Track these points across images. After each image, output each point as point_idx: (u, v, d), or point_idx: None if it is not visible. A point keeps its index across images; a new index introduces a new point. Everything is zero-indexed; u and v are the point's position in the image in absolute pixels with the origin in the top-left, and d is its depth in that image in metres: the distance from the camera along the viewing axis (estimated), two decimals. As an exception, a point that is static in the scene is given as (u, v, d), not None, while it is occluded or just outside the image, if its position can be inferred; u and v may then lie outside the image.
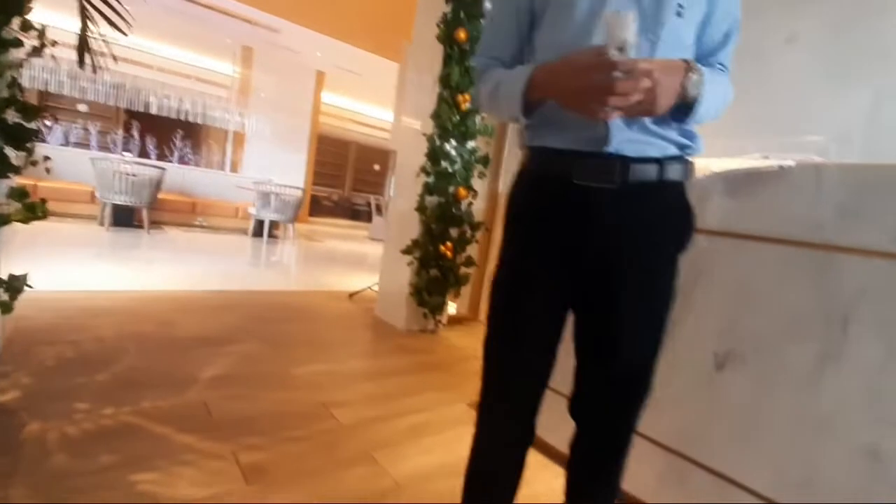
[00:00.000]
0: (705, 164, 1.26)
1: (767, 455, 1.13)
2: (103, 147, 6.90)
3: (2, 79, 1.26)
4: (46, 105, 6.90)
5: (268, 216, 6.07)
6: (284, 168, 7.80)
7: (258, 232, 6.23)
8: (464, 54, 2.68)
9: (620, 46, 0.56)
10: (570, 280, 0.78)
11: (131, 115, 7.25)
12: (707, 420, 1.25)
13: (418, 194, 2.83)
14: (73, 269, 3.22)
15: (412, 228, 2.89)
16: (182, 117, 6.96)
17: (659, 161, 0.73)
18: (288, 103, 7.95)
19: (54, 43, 1.38)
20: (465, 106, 2.73)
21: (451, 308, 3.38)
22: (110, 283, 3.05)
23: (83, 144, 6.77)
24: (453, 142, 2.77)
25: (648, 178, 0.72)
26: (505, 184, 3.48)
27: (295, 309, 3.15)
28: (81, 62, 1.36)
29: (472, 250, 3.04)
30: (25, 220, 1.35)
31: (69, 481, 1.16)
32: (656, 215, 0.75)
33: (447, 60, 2.70)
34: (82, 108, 7.13)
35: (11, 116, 1.29)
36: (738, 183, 1.21)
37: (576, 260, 0.76)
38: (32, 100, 6.37)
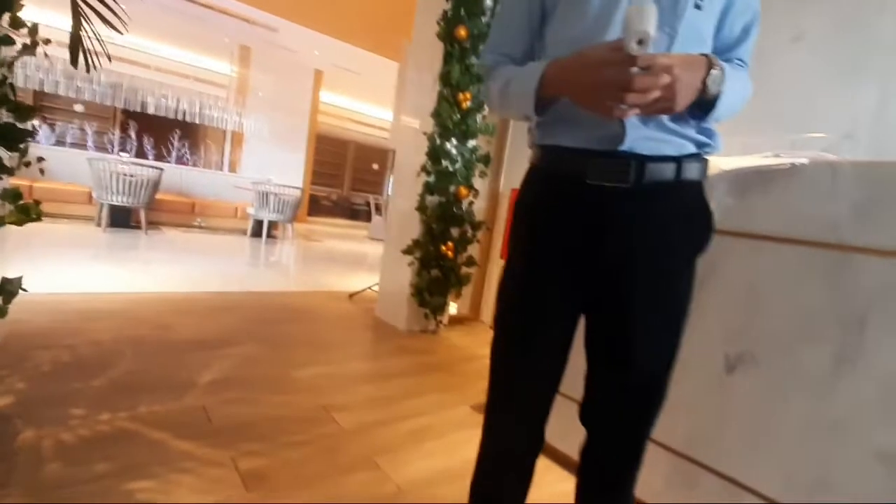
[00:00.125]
0: (715, 162, 1.23)
1: (778, 459, 1.11)
2: (100, 147, 6.87)
3: (-7, 77, 1.22)
4: (42, 105, 6.84)
5: (266, 216, 6.04)
6: (283, 168, 7.76)
7: (257, 232, 6.20)
8: (464, 52, 2.65)
9: (641, 39, 0.52)
10: (582, 282, 0.75)
11: (128, 115, 7.19)
12: (717, 423, 1.23)
13: (419, 194, 2.81)
14: (70, 271, 3.19)
15: (413, 228, 2.86)
16: (180, 117, 6.91)
17: (676, 160, 0.70)
18: (286, 103, 7.91)
19: (47, 41, 1.35)
20: (466, 104, 2.70)
21: (453, 308, 3.36)
22: (107, 285, 3.02)
23: (80, 145, 6.73)
24: (454, 140, 2.75)
25: (665, 178, 0.69)
26: (506, 183, 3.45)
27: (294, 310, 3.12)
28: (74, 61, 1.33)
29: (474, 250, 3.01)
30: (19, 223, 1.33)
31: (64, 490, 1.13)
32: (673, 216, 0.72)
33: (447, 58, 2.67)
34: (78, 108, 7.08)
35: (3, 116, 1.26)
36: (750, 181, 1.19)
37: (588, 261, 0.73)
38: (27, 100, 6.34)
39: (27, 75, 5.54)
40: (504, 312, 0.83)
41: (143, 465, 1.27)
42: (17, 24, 1.26)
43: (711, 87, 0.64)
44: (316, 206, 10.98)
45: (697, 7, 0.67)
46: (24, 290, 1.42)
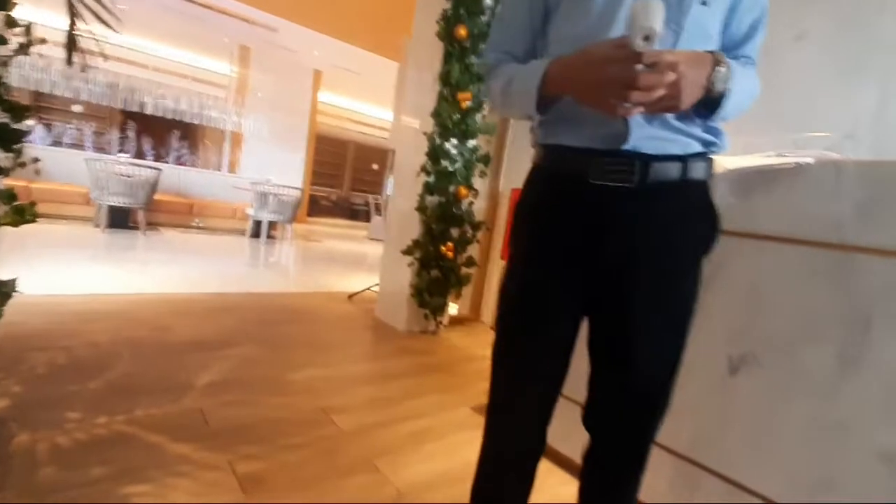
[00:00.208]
0: (718, 161, 1.22)
1: (781, 461, 1.10)
2: (99, 148, 6.85)
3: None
4: (40, 106, 6.83)
5: (266, 217, 6.02)
6: (282, 168, 7.74)
7: (256, 233, 6.18)
8: (464, 51, 2.64)
9: (647, 35, 0.51)
10: (583, 282, 0.74)
11: (127, 115, 7.17)
12: (719, 425, 1.22)
13: (418, 194, 2.79)
14: (67, 273, 3.17)
15: (412, 228, 2.85)
16: (178, 117, 6.89)
17: (682, 159, 0.68)
18: (286, 103, 7.89)
19: (43, 41, 1.34)
20: (466, 104, 2.69)
21: (453, 309, 3.34)
22: (105, 286, 3.00)
23: (78, 145, 6.71)
24: (454, 140, 2.73)
25: (670, 177, 0.68)
26: (506, 183, 3.44)
27: (294, 311, 3.10)
28: (70, 60, 1.32)
29: (474, 250, 3.00)
30: (14, 224, 1.31)
31: (59, 494, 1.11)
32: (677, 216, 0.70)
33: (447, 57, 2.65)
34: (77, 108, 7.06)
35: (-2, 116, 1.24)
36: (753, 181, 1.17)
37: (590, 261, 0.72)
38: (25, 100, 6.32)
39: (25, 75, 5.51)
40: (505, 313, 0.82)
41: (139, 468, 1.25)
42: (11, 23, 1.25)
43: (718, 84, 0.63)
44: (315, 207, 10.96)
45: (704, 3, 0.65)
46: (19, 291, 1.41)
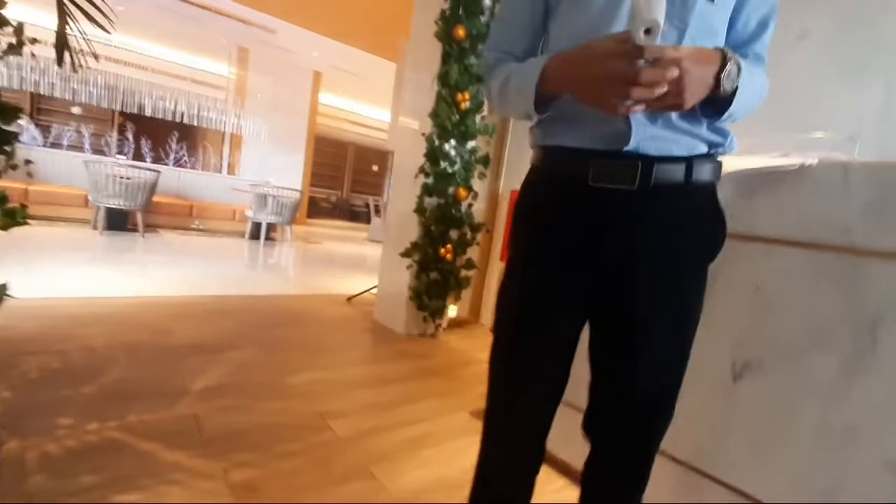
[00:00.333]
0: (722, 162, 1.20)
1: (785, 469, 1.08)
2: (97, 150, 6.83)
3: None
4: (39, 108, 6.82)
5: (265, 218, 6.00)
6: (282, 170, 7.72)
7: (255, 235, 6.16)
8: (463, 52, 2.62)
9: (649, 28, 0.49)
10: (583, 283, 0.72)
11: (126, 117, 7.16)
12: (723, 433, 1.19)
13: (417, 196, 2.77)
14: (64, 275, 3.15)
15: (411, 230, 2.83)
16: (177, 119, 6.88)
17: (687, 160, 0.66)
18: (285, 104, 7.88)
19: (34, 41, 1.32)
20: (465, 105, 2.67)
21: (452, 311, 3.32)
22: (103, 288, 2.98)
23: (77, 147, 6.69)
24: (453, 142, 2.71)
25: (674, 180, 0.66)
26: (506, 184, 3.42)
27: (292, 313, 3.08)
28: (60, 61, 1.30)
29: (473, 252, 2.97)
30: (5, 227, 1.29)
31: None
32: (681, 219, 0.68)
33: (446, 58, 2.63)
34: (76, 110, 7.06)
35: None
36: (758, 182, 1.15)
37: (590, 261, 0.70)
38: (24, 102, 6.31)
39: (22, 77, 5.50)
40: (504, 315, 0.80)
41: (130, 476, 1.23)
42: (1, 23, 1.22)
43: (726, 83, 0.60)
44: (315, 208, 10.94)
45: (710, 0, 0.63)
46: (11, 295, 1.38)
